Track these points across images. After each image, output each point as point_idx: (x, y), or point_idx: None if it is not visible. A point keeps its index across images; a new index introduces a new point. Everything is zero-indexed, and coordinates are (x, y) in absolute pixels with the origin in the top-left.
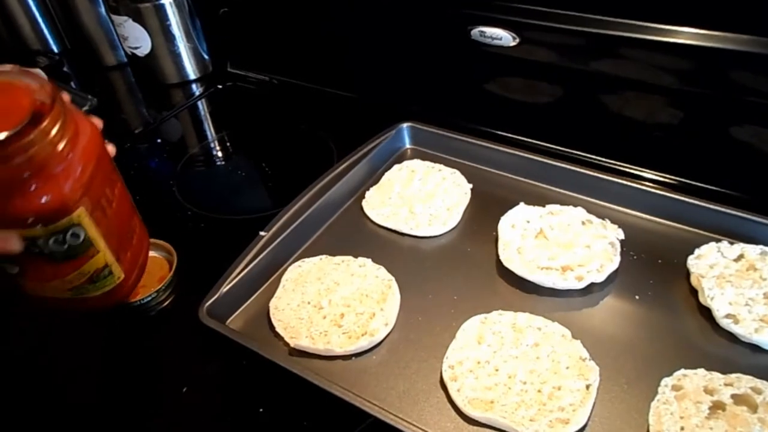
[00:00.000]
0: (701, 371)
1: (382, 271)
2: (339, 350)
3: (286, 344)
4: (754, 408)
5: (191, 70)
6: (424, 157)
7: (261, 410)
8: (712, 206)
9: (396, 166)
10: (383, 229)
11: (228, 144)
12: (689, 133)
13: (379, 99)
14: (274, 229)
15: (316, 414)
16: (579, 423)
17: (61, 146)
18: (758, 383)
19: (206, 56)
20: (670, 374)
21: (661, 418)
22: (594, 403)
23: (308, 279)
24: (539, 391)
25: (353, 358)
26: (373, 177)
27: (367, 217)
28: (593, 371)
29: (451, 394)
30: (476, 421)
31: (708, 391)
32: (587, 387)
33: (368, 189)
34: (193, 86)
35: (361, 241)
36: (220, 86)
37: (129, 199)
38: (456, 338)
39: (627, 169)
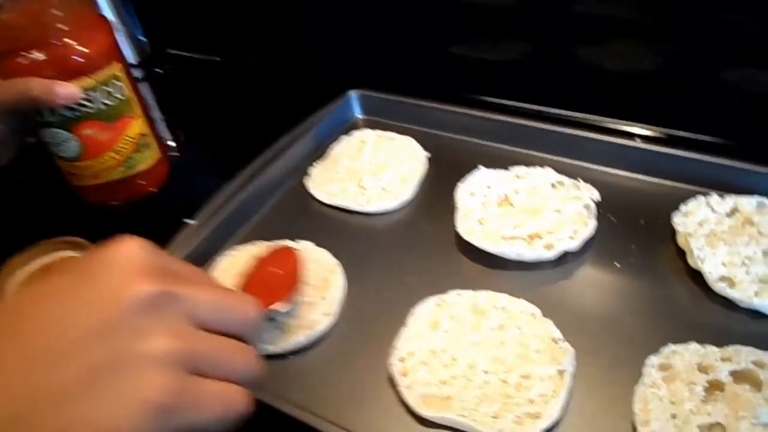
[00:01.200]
0: (693, 345)
1: (325, 255)
2: (271, 348)
3: None
4: (757, 385)
5: (128, 55)
6: (376, 127)
7: None
8: (697, 156)
9: (344, 138)
10: (330, 208)
11: (174, 128)
12: (667, 79)
13: (332, 73)
14: (203, 216)
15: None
16: (552, 417)
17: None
18: (761, 355)
19: (143, 39)
20: (656, 352)
21: (647, 404)
22: (569, 392)
23: (240, 269)
24: (504, 381)
25: (289, 357)
26: (319, 152)
27: (312, 197)
28: (567, 354)
29: (400, 391)
30: (432, 423)
31: (702, 369)
32: (560, 373)
33: (312, 165)
34: (132, 72)
35: (305, 224)
36: (159, 70)
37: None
38: (407, 326)
39: (600, 124)
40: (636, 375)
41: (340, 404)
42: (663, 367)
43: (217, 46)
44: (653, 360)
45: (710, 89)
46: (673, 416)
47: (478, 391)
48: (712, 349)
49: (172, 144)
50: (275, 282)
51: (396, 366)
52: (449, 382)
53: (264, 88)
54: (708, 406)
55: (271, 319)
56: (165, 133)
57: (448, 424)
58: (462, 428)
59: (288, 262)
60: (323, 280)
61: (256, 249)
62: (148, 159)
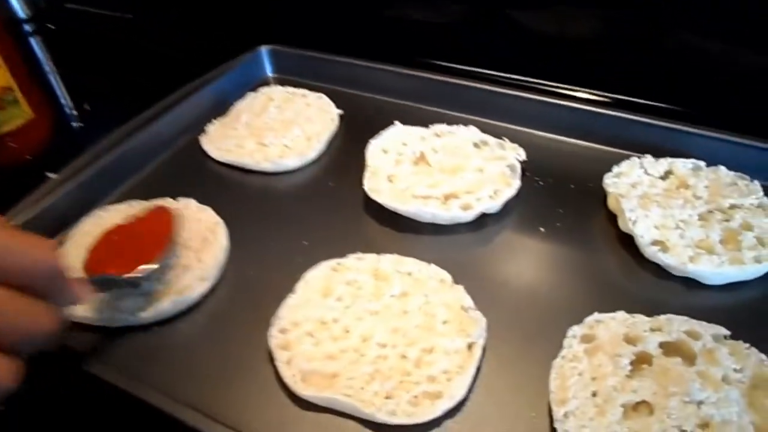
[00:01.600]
0: (620, 314)
1: (207, 214)
2: (131, 318)
3: None
4: (690, 359)
5: (18, 8)
6: (288, 85)
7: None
8: (630, 116)
9: (250, 94)
10: (226, 167)
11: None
12: (601, 40)
13: (247, 31)
14: (69, 170)
15: (90, 413)
16: (454, 396)
17: None
18: (695, 325)
19: None
20: (580, 322)
21: (566, 381)
22: (478, 369)
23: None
24: (403, 356)
25: (154, 327)
26: (223, 110)
27: (207, 155)
28: (478, 324)
29: (278, 368)
30: (312, 404)
31: (629, 340)
32: (469, 347)
33: (212, 122)
34: (25, 26)
35: (195, 183)
36: (52, 26)
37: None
38: (294, 292)
39: (531, 85)
40: (556, 348)
41: (205, 384)
42: (586, 339)
43: (124, 1)
44: (575, 330)
45: (641, 50)
46: (594, 394)
47: (369, 368)
48: (641, 319)
49: (74, 113)
50: (139, 244)
51: (276, 338)
52: (337, 357)
53: (176, 47)
54: (634, 381)
55: (137, 285)
56: (64, 98)
57: (330, 406)
58: (345, 410)
59: (158, 222)
60: (202, 241)
61: (132, 210)
62: (16, 118)
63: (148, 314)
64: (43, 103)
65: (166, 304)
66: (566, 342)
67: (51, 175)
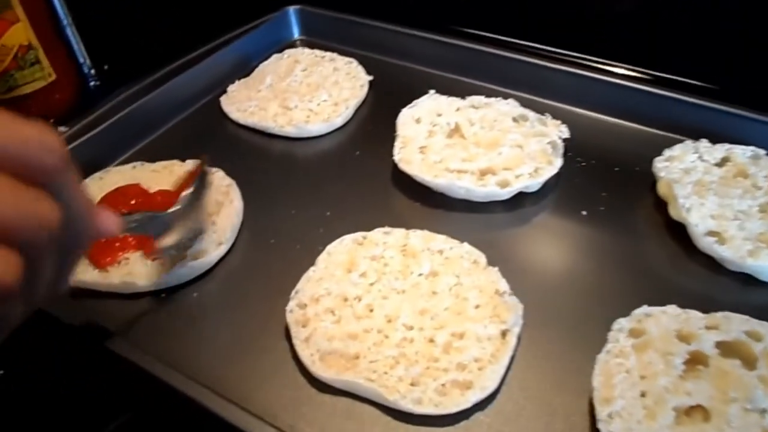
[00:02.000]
0: (672, 309)
1: (218, 176)
2: (143, 283)
3: None
4: (750, 362)
5: None
6: (316, 48)
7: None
8: (685, 98)
9: (275, 56)
10: (247, 130)
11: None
12: (651, 16)
13: None
14: (78, 124)
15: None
16: (486, 387)
17: None
18: (756, 325)
19: None
20: (627, 314)
21: (611, 378)
22: (512, 358)
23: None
24: (431, 340)
25: (164, 294)
26: (246, 72)
27: (227, 117)
28: (513, 310)
29: (295, 345)
30: (330, 387)
31: (683, 338)
32: (503, 334)
33: (234, 83)
34: None
35: (214, 146)
36: None
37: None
38: (316, 265)
39: (575, 59)
40: (599, 341)
41: (216, 357)
42: (634, 333)
43: None
44: (622, 323)
45: (699, 28)
46: (643, 394)
47: (394, 351)
48: (695, 315)
49: (92, 72)
50: (150, 200)
51: (294, 314)
52: (359, 337)
53: (201, 5)
54: (687, 383)
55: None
56: (83, 57)
57: (349, 389)
58: (366, 395)
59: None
60: (215, 204)
61: (137, 172)
62: (38, 80)
63: (163, 279)
64: (66, 63)
65: (181, 269)
66: (612, 335)
67: (62, 128)
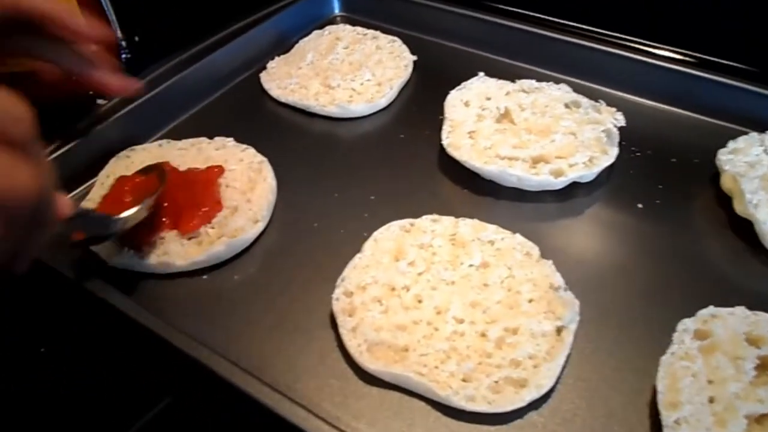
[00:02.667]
0: (740, 310)
1: (249, 153)
2: (180, 263)
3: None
4: None
5: None
6: (358, 25)
7: (42, 350)
8: (750, 87)
9: (315, 32)
10: (287, 108)
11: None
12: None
13: None
14: (114, 102)
15: (126, 360)
16: (542, 386)
17: None
18: None
19: None
20: (691, 315)
21: (677, 381)
22: (568, 357)
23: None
24: (483, 335)
25: (204, 275)
26: (284, 47)
27: (267, 93)
28: (570, 307)
29: (341, 335)
30: (377, 379)
31: (752, 341)
32: (559, 331)
33: (273, 59)
34: None
35: (252, 123)
36: None
37: None
38: (362, 251)
39: (631, 44)
40: (661, 342)
41: (259, 345)
42: (699, 335)
43: None
44: (687, 324)
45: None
46: (711, 400)
47: (445, 344)
48: (765, 317)
49: (123, 43)
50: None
51: (341, 301)
52: (409, 329)
53: None
54: (759, 390)
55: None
56: (114, 26)
57: (398, 383)
58: (416, 390)
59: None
60: (248, 181)
61: (160, 150)
62: None
63: (200, 258)
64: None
65: (219, 248)
66: (676, 336)
67: (100, 101)
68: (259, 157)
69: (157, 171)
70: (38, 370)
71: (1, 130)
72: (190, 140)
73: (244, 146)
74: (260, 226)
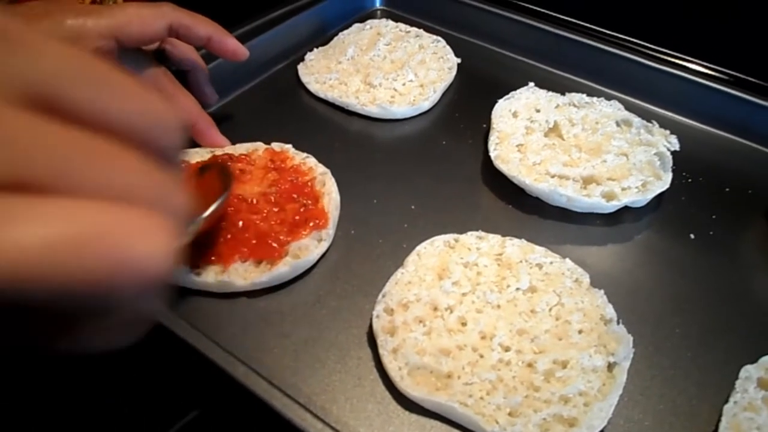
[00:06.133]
0: None
1: (310, 162)
2: (241, 283)
3: None
4: None
5: None
6: (400, 21)
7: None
8: None
9: (356, 26)
10: (323, 103)
11: None
12: None
13: None
14: None
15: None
16: (593, 427)
17: None
18: None
19: None
20: (753, 360)
21: None
22: (621, 395)
23: None
24: (530, 365)
25: (263, 296)
26: (322, 39)
27: (303, 87)
28: (623, 342)
29: (381, 356)
30: (417, 405)
31: None
32: (610, 367)
33: (311, 50)
34: None
35: (288, 118)
36: None
37: None
38: (404, 266)
39: (688, 63)
40: (721, 387)
41: (292, 360)
42: (763, 384)
43: None
44: (750, 371)
45: None
46: None
47: (491, 374)
48: None
49: None
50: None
51: (381, 319)
52: (453, 354)
53: None
54: None
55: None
56: None
57: (441, 412)
58: (460, 421)
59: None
60: (311, 195)
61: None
62: None
63: (263, 279)
64: None
65: (283, 269)
66: (739, 384)
67: None
68: (321, 168)
69: (218, 171)
70: (61, 379)
71: (152, 138)
72: (245, 145)
73: (304, 155)
74: (324, 246)
